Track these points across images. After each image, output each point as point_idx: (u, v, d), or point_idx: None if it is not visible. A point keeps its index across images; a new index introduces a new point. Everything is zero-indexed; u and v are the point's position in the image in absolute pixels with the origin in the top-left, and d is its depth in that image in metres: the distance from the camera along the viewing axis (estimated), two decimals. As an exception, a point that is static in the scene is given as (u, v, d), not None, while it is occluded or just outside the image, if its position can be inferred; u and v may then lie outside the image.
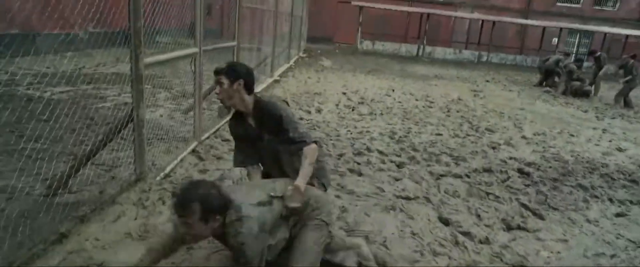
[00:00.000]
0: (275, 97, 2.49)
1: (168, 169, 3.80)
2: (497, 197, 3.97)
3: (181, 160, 4.11)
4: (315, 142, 2.39)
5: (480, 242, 3.15)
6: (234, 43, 5.69)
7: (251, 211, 1.87)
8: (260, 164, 2.56)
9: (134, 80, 2.99)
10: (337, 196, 3.66)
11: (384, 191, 3.85)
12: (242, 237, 1.81)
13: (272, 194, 2.02)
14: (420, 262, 2.75)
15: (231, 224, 1.82)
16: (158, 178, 3.55)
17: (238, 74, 2.27)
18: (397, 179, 4.17)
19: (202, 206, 1.72)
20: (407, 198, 3.75)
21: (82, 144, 4.33)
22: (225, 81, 2.26)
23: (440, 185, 4.12)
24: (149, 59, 3.16)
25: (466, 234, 3.21)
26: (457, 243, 3.08)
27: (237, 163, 2.54)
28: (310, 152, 2.29)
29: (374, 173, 4.30)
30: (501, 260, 2.94)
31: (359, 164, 4.53)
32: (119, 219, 2.78)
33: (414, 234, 3.06)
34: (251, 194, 1.98)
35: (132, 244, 2.51)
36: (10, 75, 7.73)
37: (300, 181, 2.15)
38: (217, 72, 2.30)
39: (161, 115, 5.83)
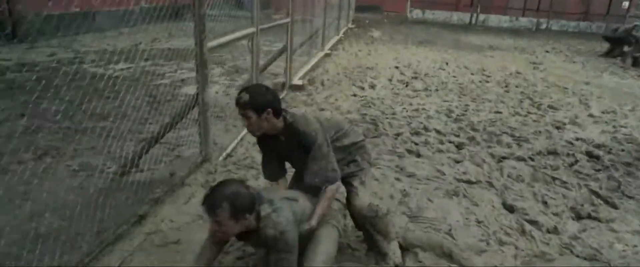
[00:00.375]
0: (308, 113, 2.27)
1: (229, 148, 3.90)
2: (565, 182, 3.78)
3: (241, 139, 4.21)
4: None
5: (549, 231, 3.03)
6: (288, 20, 5.66)
7: (283, 203, 1.96)
8: (286, 177, 2.45)
9: (199, 65, 3.05)
10: (397, 179, 3.63)
11: (444, 174, 3.77)
12: (281, 226, 1.86)
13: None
14: (486, 252, 2.69)
15: (267, 216, 1.88)
16: (221, 158, 3.66)
17: (265, 104, 2.04)
18: (457, 161, 4.07)
19: (231, 205, 1.76)
20: (469, 182, 3.66)
21: (146, 122, 4.53)
22: (252, 115, 2.04)
23: (503, 168, 3.98)
24: (211, 43, 3.19)
25: (533, 222, 3.10)
26: (523, 232, 2.98)
27: (266, 176, 2.42)
28: (330, 194, 2.17)
29: (433, 154, 4.21)
30: (572, 252, 2.82)
31: (417, 144, 4.45)
32: (190, 200, 2.90)
33: (479, 222, 2.99)
34: (276, 193, 2.09)
35: (205, 227, 2.61)
36: (75, 53, 8.16)
37: (314, 221, 2.09)
38: (242, 106, 2.05)
39: (216, 92, 5.96)
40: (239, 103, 2.06)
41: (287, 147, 2.22)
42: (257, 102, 2.03)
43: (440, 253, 2.60)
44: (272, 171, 2.38)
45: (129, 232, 2.48)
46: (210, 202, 1.78)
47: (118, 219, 2.56)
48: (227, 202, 1.76)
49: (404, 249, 2.62)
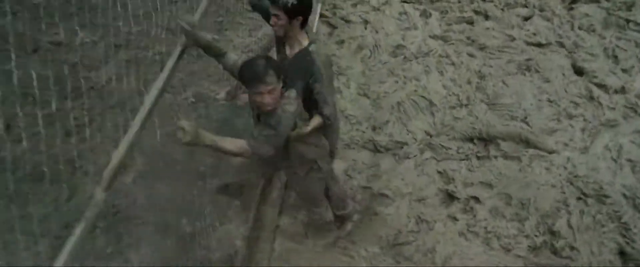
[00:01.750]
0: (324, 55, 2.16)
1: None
2: (638, 25, 3.86)
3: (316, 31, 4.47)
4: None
5: (616, 92, 3.38)
6: None
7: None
8: None
9: None
10: (470, 54, 3.91)
11: (514, 39, 3.96)
12: (290, 106, 1.91)
13: None
14: (557, 131, 3.19)
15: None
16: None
17: (297, 10, 1.92)
18: (526, 19, 4.16)
19: (275, 69, 1.83)
20: (539, 45, 3.87)
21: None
22: (283, 17, 1.94)
23: (574, 18, 4.05)
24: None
25: (601, 86, 3.43)
26: (591, 99, 3.37)
27: None
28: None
29: (501, 14, 4.28)
30: (635, 112, 3.24)
31: (484, 1, 4.47)
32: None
33: (550, 101, 3.37)
34: None
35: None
36: None
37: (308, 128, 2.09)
38: (277, 6, 1.92)
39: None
40: (275, 2, 1.93)
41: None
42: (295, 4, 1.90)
43: (518, 141, 3.14)
44: None
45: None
46: (257, 72, 1.79)
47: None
48: (271, 69, 1.81)
49: (487, 140, 3.20)
